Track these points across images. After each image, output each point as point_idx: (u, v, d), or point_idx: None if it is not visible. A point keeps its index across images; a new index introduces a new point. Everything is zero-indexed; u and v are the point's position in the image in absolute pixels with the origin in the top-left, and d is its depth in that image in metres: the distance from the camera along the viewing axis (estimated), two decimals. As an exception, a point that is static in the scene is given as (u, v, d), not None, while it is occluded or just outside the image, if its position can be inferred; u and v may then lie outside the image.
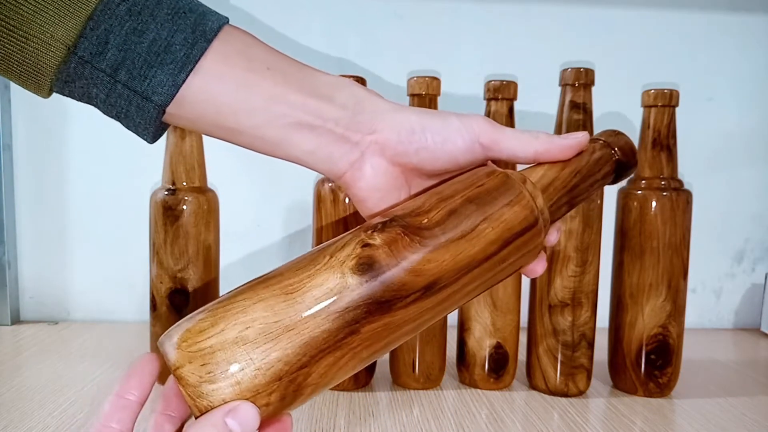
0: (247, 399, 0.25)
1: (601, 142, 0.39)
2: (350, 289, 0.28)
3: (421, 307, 0.29)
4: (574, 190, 0.36)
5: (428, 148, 0.34)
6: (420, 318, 0.30)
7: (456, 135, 0.35)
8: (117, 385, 0.28)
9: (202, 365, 0.25)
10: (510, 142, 0.35)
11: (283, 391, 0.26)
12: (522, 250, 0.33)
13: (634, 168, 0.39)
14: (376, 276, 0.28)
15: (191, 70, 0.30)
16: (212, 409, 0.25)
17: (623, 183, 0.62)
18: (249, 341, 0.25)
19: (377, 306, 0.28)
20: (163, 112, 0.31)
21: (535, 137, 0.35)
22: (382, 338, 0.28)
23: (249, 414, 0.25)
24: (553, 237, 0.37)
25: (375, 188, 0.35)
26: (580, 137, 0.36)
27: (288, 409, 0.27)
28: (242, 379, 0.25)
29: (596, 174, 0.37)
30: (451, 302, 0.31)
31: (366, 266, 0.28)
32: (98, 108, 0.32)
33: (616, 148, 0.38)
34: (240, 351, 0.25)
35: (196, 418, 0.26)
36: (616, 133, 0.39)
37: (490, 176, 0.34)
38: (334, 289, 0.27)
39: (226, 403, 0.25)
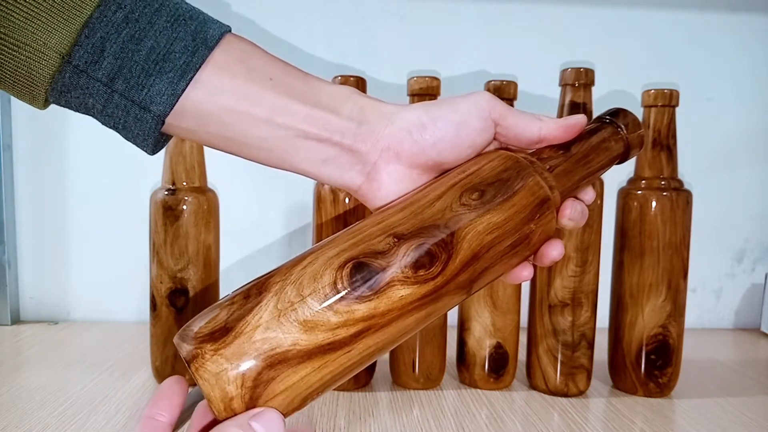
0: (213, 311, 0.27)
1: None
2: None
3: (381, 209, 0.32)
4: (567, 147, 0.36)
5: (444, 138, 0.33)
6: (385, 212, 0.31)
7: (468, 116, 0.34)
8: (146, 408, 0.27)
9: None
10: (516, 119, 0.35)
11: (246, 291, 0.28)
12: (481, 162, 0.33)
13: (638, 128, 0.38)
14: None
15: (191, 78, 0.29)
16: (192, 327, 0.26)
17: (623, 183, 0.62)
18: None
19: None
20: (163, 122, 0.30)
21: (538, 117, 0.35)
22: (342, 231, 0.30)
23: (274, 419, 0.26)
24: (589, 195, 0.37)
25: (397, 196, 0.34)
26: (579, 117, 0.36)
27: (259, 309, 0.26)
28: (219, 305, 0.28)
29: (590, 135, 0.37)
30: (425, 202, 0.31)
31: None
32: (96, 119, 0.31)
33: (608, 116, 0.39)
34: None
35: (177, 345, 0.26)
36: (616, 109, 0.39)
37: None
38: None
39: (207, 324, 0.26)
